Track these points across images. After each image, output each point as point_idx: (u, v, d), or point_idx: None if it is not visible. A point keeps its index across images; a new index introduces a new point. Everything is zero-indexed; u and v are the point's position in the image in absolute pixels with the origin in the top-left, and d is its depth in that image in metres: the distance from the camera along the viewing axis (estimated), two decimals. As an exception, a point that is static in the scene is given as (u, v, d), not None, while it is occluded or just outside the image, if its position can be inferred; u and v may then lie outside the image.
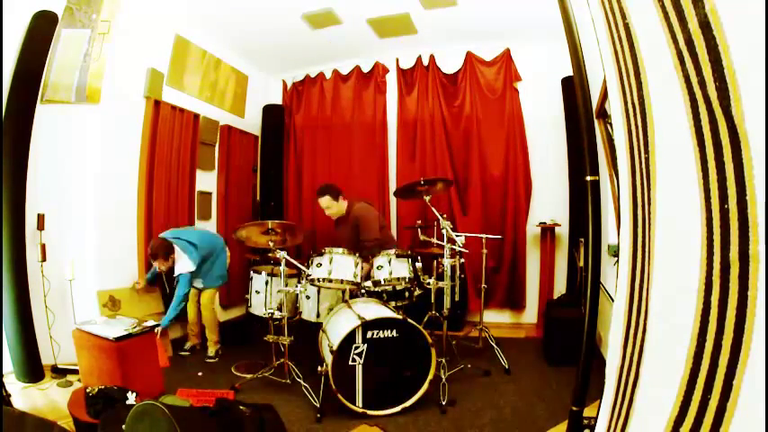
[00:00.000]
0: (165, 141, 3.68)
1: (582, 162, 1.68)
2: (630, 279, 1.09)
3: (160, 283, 3.41)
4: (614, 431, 1.12)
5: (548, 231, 4.06)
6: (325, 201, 3.46)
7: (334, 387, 2.36)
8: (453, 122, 4.44)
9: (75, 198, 3.12)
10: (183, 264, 3.08)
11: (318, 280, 2.78)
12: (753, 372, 0.64)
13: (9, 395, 2.39)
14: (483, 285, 3.36)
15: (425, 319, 3.04)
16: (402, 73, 4.63)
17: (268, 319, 2.91)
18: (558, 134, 4.11)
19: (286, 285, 2.81)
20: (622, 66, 1.04)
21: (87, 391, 2.13)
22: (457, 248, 2.81)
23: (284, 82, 5.10)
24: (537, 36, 3.94)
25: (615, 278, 1.22)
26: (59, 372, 2.82)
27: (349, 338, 2.40)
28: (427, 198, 2.93)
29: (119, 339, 2.38)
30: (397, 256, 2.87)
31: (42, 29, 2.79)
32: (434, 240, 3.17)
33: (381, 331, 2.46)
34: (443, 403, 2.46)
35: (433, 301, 2.94)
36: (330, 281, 2.77)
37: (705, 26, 0.69)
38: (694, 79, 0.73)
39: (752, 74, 0.62)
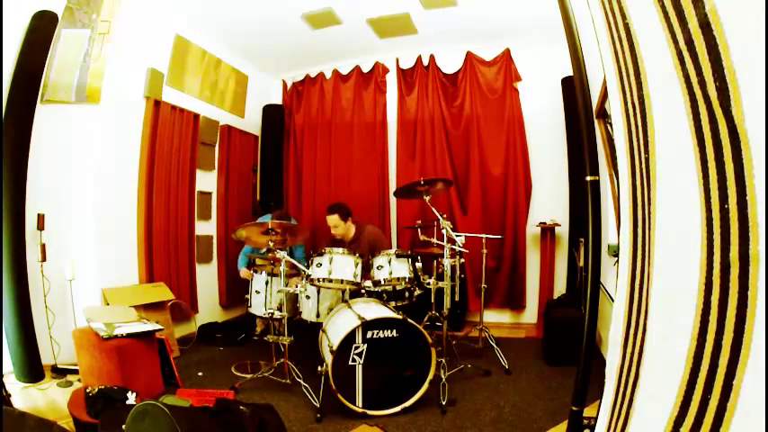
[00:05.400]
0: (165, 141, 3.68)
1: (582, 162, 1.68)
2: (630, 279, 1.08)
3: None
4: (614, 431, 1.12)
5: (548, 231, 4.06)
6: (333, 219, 3.48)
7: (334, 387, 2.35)
8: (453, 122, 4.44)
9: (75, 198, 3.12)
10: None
11: (318, 280, 2.78)
12: (753, 372, 0.64)
13: (9, 395, 2.39)
14: (483, 285, 3.36)
15: (425, 319, 3.04)
16: (402, 73, 4.63)
17: (268, 318, 2.91)
18: (558, 134, 4.11)
19: (286, 285, 2.81)
20: (622, 66, 1.04)
21: (87, 391, 2.13)
22: (457, 248, 2.81)
23: (284, 82, 5.10)
24: (537, 36, 3.94)
25: (615, 278, 1.22)
26: (59, 372, 2.82)
27: (349, 338, 2.40)
28: (427, 198, 2.93)
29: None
30: (397, 256, 2.87)
31: (42, 29, 2.78)
32: (434, 240, 3.17)
33: (381, 331, 2.46)
34: (443, 403, 2.46)
35: (433, 301, 2.94)
36: (330, 281, 2.77)
37: (705, 26, 0.69)
38: (694, 79, 0.73)
39: (752, 74, 0.62)
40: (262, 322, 3.80)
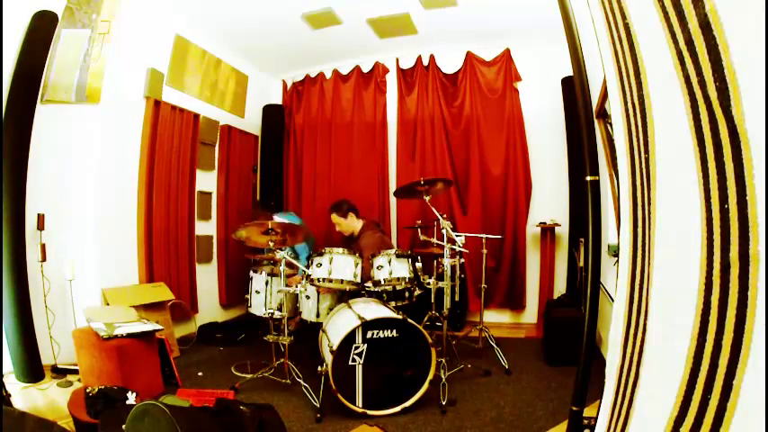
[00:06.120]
0: (165, 141, 3.68)
1: (582, 162, 1.68)
2: (630, 279, 1.08)
3: None
4: (614, 431, 1.12)
5: (548, 231, 4.06)
6: (333, 218, 3.50)
7: (334, 387, 2.35)
8: (453, 122, 4.44)
9: (75, 198, 3.12)
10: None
11: (318, 280, 2.78)
12: (753, 372, 0.64)
13: (9, 395, 2.39)
14: (483, 285, 3.36)
15: (425, 319, 3.04)
16: (402, 73, 4.63)
17: (268, 319, 2.91)
18: (558, 134, 4.11)
19: (286, 285, 2.81)
20: (622, 66, 1.04)
21: (87, 391, 2.13)
22: (457, 248, 2.81)
23: (284, 82, 5.10)
24: (537, 36, 3.93)
25: (615, 278, 1.22)
26: (59, 372, 2.82)
27: (349, 338, 2.40)
28: (427, 198, 2.93)
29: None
30: (397, 256, 2.86)
31: (42, 29, 2.78)
32: (434, 240, 3.17)
33: (381, 331, 2.46)
34: (443, 403, 2.46)
35: (433, 301, 2.94)
36: (330, 281, 2.77)
37: (705, 26, 0.69)
38: (694, 79, 0.73)
39: (752, 74, 0.62)
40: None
